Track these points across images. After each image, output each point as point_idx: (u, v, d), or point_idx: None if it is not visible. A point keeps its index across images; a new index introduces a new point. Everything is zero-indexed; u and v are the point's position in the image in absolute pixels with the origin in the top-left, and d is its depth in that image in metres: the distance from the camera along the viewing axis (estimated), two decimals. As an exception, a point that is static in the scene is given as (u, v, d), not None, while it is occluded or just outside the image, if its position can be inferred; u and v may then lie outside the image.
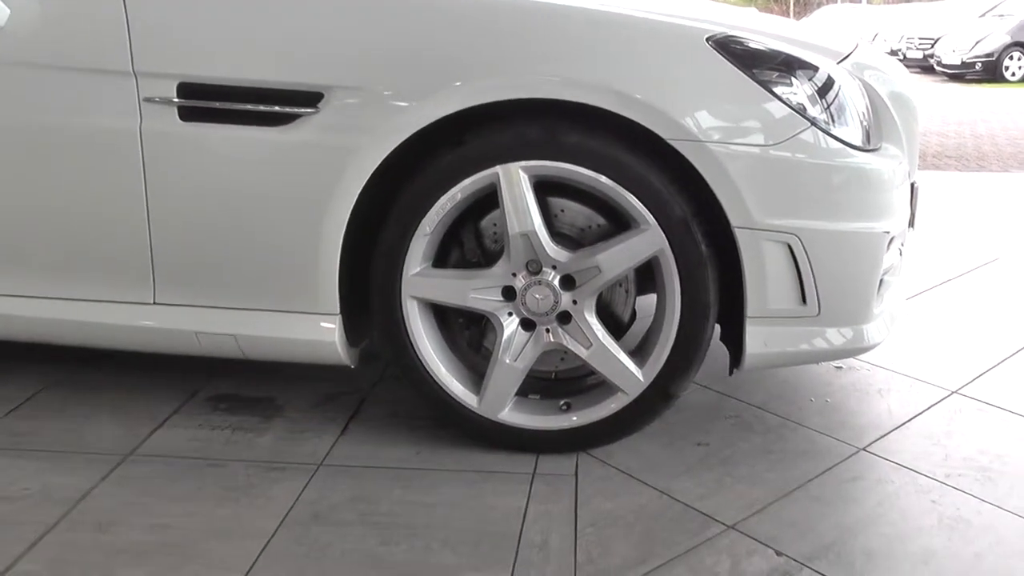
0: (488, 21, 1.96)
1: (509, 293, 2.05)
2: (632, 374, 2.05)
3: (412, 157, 2.00)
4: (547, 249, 2.00)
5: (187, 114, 2.00)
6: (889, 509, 1.95)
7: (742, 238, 1.94)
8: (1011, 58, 14.55)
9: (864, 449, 2.20)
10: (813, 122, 1.94)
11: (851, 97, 2.04)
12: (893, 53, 15.75)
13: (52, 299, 2.20)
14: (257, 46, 1.98)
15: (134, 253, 2.11)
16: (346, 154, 1.96)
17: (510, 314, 2.07)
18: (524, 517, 1.93)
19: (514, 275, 2.04)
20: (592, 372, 2.13)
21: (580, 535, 1.87)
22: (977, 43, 14.60)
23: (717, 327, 2.11)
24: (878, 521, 1.91)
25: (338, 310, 2.08)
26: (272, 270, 2.08)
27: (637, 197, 1.94)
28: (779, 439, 2.25)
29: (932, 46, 15.68)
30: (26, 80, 2.06)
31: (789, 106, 1.93)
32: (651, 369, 2.05)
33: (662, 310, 2.04)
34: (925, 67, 15.39)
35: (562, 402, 2.15)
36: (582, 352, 2.06)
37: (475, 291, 2.06)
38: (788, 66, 1.98)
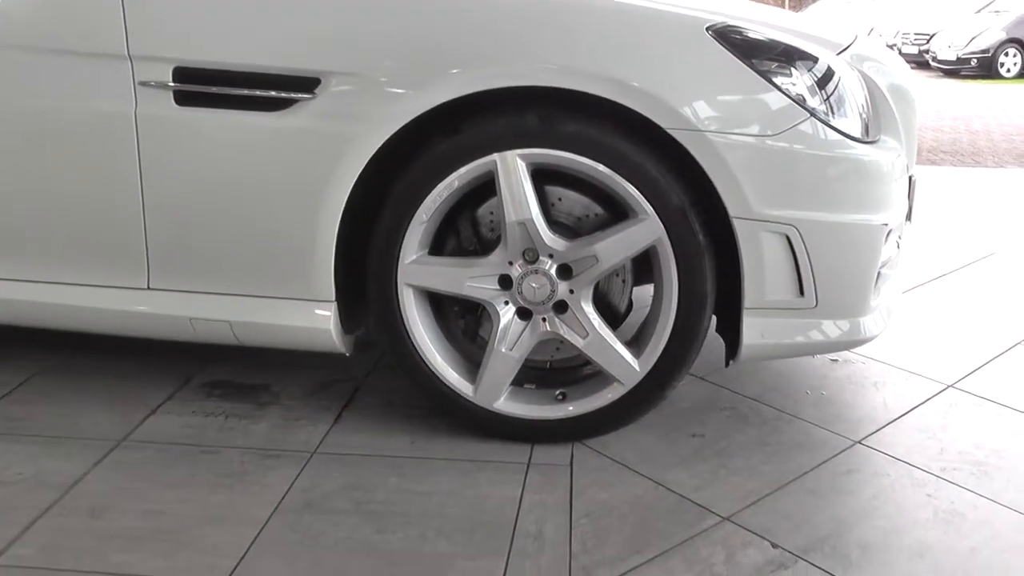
0: (486, 8, 1.95)
1: (506, 282, 2.05)
2: (628, 364, 2.05)
3: (409, 145, 1.99)
4: (544, 238, 1.99)
5: (183, 98, 1.99)
6: (884, 502, 1.95)
7: (740, 229, 1.94)
8: (1006, 54, 14.56)
9: (860, 442, 2.20)
10: (812, 113, 1.93)
11: (850, 88, 2.03)
12: (888, 48, 15.73)
13: (46, 283, 2.19)
14: (254, 30, 1.97)
15: (128, 238, 2.10)
16: (343, 141, 1.95)
17: (506, 303, 2.06)
18: (519, 507, 1.93)
19: (511, 264, 2.03)
20: (587, 362, 2.12)
21: (575, 525, 1.87)
22: (973, 39, 14.60)
23: (713, 318, 2.11)
24: (873, 514, 1.91)
25: (333, 297, 2.07)
26: (267, 256, 2.06)
27: (635, 186, 1.93)
28: (775, 431, 2.25)
29: (928, 41, 15.68)
30: (20, 63, 2.05)
31: (788, 96, 1.92)
32: (647, 359, 2.05)
33: (659, 300, 2.03)
34: (920, 63, 15.36)
35: (558, 392, 2.14)
36: (578, 342, 2.06)
37: (471, 279, 2.05)
38: (788, 56, 1.97)
